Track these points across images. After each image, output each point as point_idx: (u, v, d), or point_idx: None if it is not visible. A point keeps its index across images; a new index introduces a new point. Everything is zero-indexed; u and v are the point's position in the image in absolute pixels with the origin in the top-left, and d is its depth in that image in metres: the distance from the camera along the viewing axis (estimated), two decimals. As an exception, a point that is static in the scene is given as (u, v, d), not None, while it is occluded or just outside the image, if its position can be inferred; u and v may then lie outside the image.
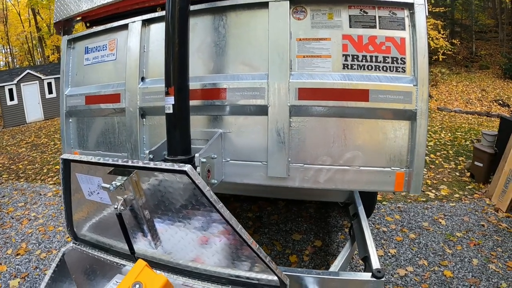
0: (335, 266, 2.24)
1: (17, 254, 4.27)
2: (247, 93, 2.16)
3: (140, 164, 1.48)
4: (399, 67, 2.05)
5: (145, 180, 1.57)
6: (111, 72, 2.64)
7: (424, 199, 4.96)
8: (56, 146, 10.97)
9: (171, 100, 1.87)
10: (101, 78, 2.71)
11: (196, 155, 1.89)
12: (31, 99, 17.20)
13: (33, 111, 17.27)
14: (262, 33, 2.17)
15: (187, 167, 1.35)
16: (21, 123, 16.78)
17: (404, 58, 2.04)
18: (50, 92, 17.76)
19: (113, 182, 1.52)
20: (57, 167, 8.25)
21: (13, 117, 16.79)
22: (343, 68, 2.07)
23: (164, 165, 1.41)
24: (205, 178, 1.93)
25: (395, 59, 2.05)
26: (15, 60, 32.67)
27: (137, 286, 1.27)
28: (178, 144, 1.92)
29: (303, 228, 4.12)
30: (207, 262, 1.74)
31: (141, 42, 2.43)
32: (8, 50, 31.94)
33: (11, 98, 16.82)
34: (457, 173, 6.16)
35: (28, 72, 17.25)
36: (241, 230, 1.50)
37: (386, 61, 2.05)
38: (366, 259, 2.11)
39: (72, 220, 2.09)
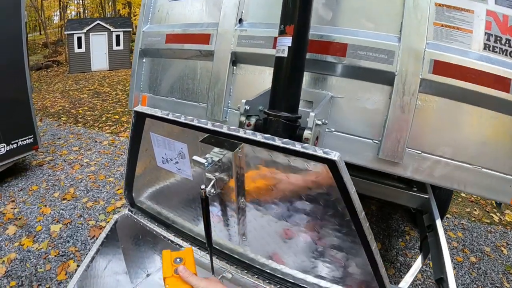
0: (406, 282, 1.95)
1: (64, 199, 4.16)
2: (372, 54, 1.75)
3: (266, 140, 1.04)
4: None
5: (254, 158, 1.15)
6: (202, 10, 2.25)
7: (488, 221, 4.45)
8: (117, 96, 11.14)
9: (287, 41, 1.46)
10: (188, 16, 2.32)
11: (311, 113, 1.45)
12: (98, 49, 17.80)
13: (99, 61, 17.89)
14: None
15: (337, 156, 0.93)
16: (86, 70, 17.42)
17: None
18: (118, 44, 18.30)
19: (209, 156, 1.13)
20: (116, 116, 8.29)
21: (79, 64, 17.49)
22: (484, 48, 1.69)
23: (311, 150, 0.97)
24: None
25: None
26: (86, 11, 34.01)
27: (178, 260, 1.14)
28: (286, 97, 1.52)
29: (363, 227, 3.76)
30: (293, 265, 1.39)
31: (244, -23, 2.02)
32: (81, 1, 33.31)
33: (79, 46, 17.52)
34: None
35: (98, 23, 17.80)
36: (374, 247, 1.11)
37: None
38: (441, 281, 1.80)
39: (132, 184, 1.74)
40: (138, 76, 2.61)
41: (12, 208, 3.88)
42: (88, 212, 3.90)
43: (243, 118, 1.58)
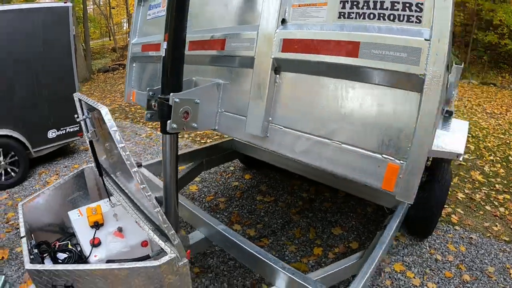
0: (323, 271, 2.15)
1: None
2: (241, 44, 2.10)
3: (89, 102, 1.90)
4: (412, 15, 1.44)
5: (99, 117, 1.83)
6: (161, 25, 2.90)
7: (507, 239, 3.70)
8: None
9: (165, 45, 1.97)
10: (154, 30, 3.09)
11: (171, 94, 1.93)
12: (160, 55, 19.46)
13: (159, 65, 19.53)
14: None
15: (101, 107, 1.64)
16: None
17: (421, 4, 1.41)
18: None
19: (85, 115, 1.96)
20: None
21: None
22: (339, 17, 1.65)
23: (87, 100, 1.80)
24: (180, 119, 1.98)
25: (407, 4, 1.45)
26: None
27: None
28: (169, 85, 1.99)
29: (349, 225, 3.76)
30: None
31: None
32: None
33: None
34: None
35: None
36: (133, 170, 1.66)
37: (395, 8, 1.49)
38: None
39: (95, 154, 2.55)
40: (130, 77, 3.47)
41: (54, 179, 4.91)
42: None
43: (152, 101, 2.15)
